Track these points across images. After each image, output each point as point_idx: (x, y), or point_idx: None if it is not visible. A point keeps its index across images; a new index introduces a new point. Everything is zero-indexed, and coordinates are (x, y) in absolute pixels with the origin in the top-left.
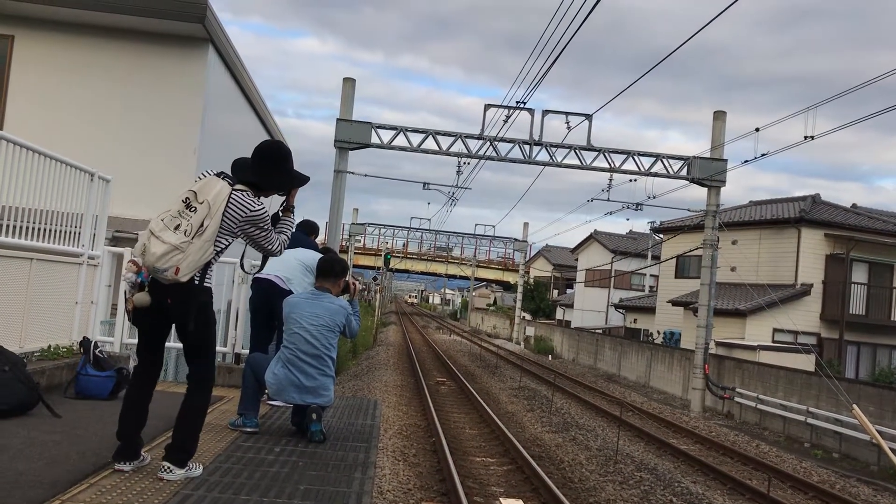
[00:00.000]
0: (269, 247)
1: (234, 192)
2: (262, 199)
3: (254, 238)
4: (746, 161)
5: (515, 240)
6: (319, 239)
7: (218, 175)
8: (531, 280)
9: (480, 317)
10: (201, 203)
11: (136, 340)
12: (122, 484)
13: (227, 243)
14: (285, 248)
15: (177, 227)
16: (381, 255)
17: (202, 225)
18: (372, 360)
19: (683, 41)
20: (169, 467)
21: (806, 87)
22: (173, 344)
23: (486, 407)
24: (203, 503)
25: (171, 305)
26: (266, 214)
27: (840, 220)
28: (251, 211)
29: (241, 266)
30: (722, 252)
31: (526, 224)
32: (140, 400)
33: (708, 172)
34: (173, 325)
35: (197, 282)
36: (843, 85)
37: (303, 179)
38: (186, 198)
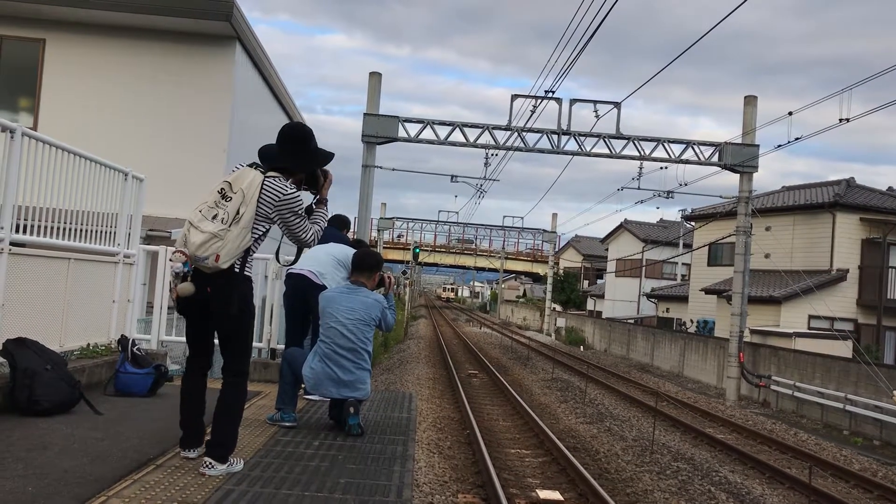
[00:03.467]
0: (303, 236)
1: (266, 178)
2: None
3: (288, 224)
4: (779, 146)
5: (544, 231)
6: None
7: (250, 166)
8: (561, 271)
9: (510, 309)
10: (236, 192)
11: (172, 338)
12: (165, 479)
13: (264, 230)
14: (319, 240)
15: (214, 217)
16: (409, 249)
17: (238, 213)
18: (404, 354)
19: (713, 25)
20: (210, 463)
21: (840, 69)
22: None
23: (519, 398)
24: (245, 497)
25: (213, 293)
26: (299, 198)
27: (876, 204)
28: (284, 195)
29: (277, 258)
30: (755, 239)
31: (555, 215)
32: (193, 389)
33: (740, 158)
34: None
35: (237, 269)
36: (879, 66)
37: (327, 155)
38: (221, 188)
